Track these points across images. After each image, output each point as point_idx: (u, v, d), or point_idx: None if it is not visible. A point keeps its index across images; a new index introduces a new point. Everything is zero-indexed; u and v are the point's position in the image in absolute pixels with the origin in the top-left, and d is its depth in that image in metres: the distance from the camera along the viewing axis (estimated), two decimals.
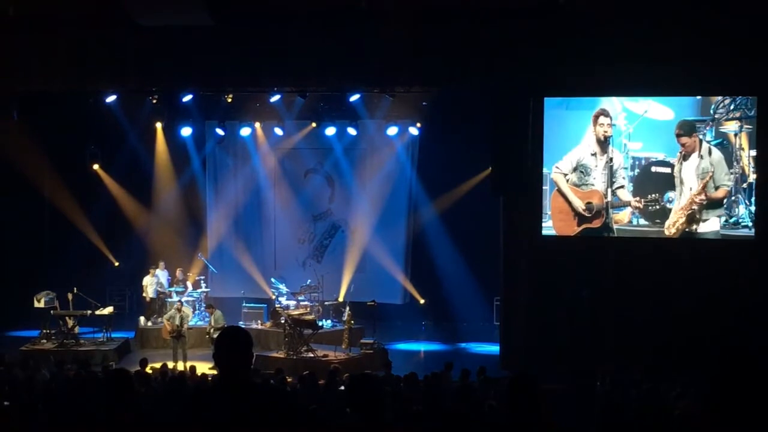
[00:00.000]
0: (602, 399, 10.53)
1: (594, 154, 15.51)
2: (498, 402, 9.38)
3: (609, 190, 15.50)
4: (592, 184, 15.56)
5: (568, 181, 15.60)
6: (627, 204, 15.47)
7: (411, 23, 15.20)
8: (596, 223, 15.58)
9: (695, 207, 15.19)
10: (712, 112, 15.24)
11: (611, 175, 15.47)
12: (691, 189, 15.24)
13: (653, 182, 15.41)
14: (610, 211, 15.54)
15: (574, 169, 15.58)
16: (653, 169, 15.45)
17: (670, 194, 15.36)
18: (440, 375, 12.40)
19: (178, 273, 20.07)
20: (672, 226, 15.30)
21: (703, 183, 15.12)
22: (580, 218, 15.62)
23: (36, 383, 11.33)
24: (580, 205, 15.54)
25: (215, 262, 21.35)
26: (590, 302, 15.41)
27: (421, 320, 21.46)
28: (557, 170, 15.61)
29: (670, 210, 15.36)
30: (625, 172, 15.49)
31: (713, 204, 15.18)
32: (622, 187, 15.51)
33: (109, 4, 14.93)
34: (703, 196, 15.14)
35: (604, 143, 15.46)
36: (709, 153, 15.15)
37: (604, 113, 15.42)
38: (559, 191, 15.64)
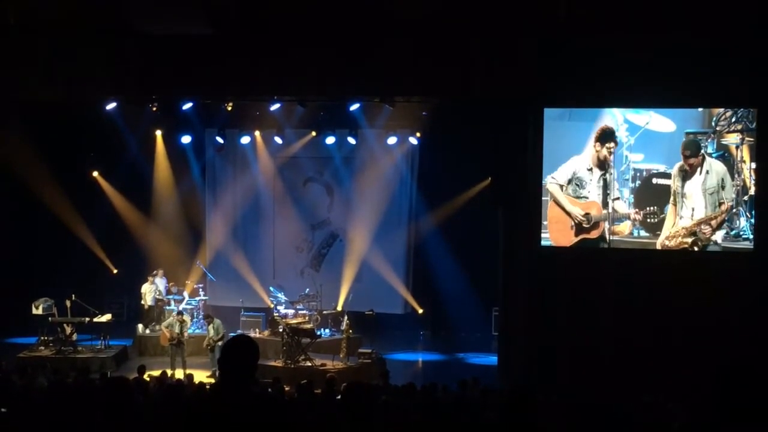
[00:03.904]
0: (601, 412, 10.49)
1: (590, 169, 15.43)
2: (495, 413, 9.34)
3: (607, 201, 15.44)
4: (586, 197, 15.48)
5: (563, 190, 15.52)
6: (626, 216, 15.42)
7: (411, 33, 15.20)
8: (594, 234, 15.51)
9: (701, 228, 15.12)
10: (713, 124, 15.19)
11: (606, 187, 15.40)
12: (693, 209, 15.14)
13: (654, 194, 15.35)
14: (608, 221, 15.47)
15: (569, 181, 15.50)
16: (654, 180, 15.39)
17: (670, 207, 15.31)
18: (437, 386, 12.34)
19: (172, 287, 20.01)
20: (671, 240, 15.22)
21: (709, 216, 15.04)
22: (578, 229, 15.55)
23: (33, 390, 11.29)
24: (578, 213, 15.45)
25: (214, 269, 21.33)
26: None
27: (420, 330, 21.48)
28: (553, 180, 15.52)
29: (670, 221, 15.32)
30: (620, 184, 15.43)
31: (718, 223, 15.14)
32: (618, 198, 15.46)
33: (110, 12, 14.93)
34: (708, 226, 15.07)
35: (603, 162, 15.38)
36: (713, 169, 15.07)
37: (613, 139, 15.27)
38: (555, 201, 15.57)
